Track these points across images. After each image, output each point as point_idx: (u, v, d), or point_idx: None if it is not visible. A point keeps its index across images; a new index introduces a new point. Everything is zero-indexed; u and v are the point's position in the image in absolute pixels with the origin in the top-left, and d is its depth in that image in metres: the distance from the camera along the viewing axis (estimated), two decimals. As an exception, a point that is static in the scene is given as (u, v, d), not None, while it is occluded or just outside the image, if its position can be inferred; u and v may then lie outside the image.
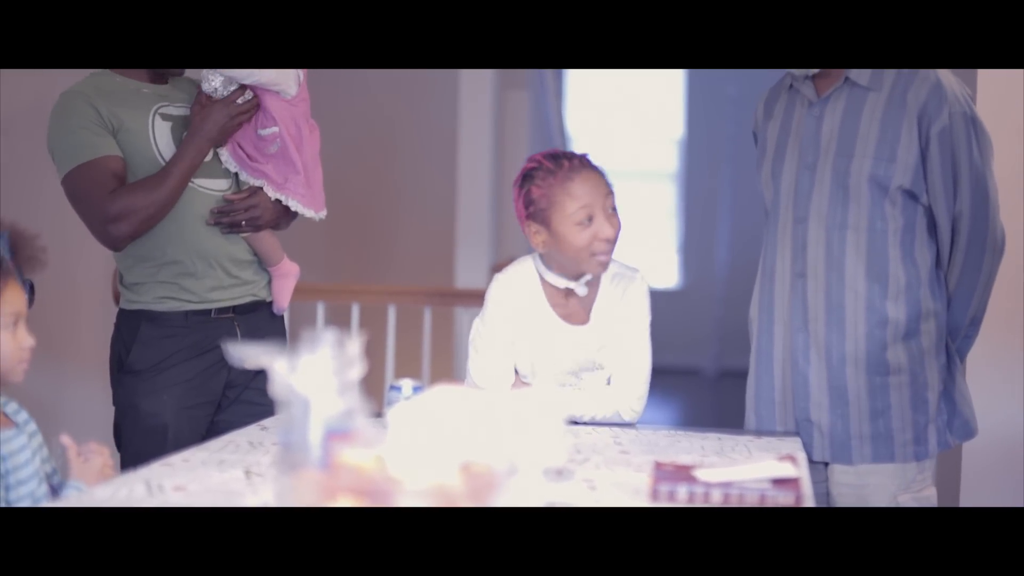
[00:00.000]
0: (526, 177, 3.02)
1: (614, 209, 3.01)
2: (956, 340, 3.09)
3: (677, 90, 11.48)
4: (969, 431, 3.10)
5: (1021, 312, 3.92)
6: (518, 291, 3.09)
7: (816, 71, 3.04)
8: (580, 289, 3.08)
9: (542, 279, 3.09)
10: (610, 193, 3.00)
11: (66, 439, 2.51)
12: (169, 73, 3.45)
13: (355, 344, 1.88)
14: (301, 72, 3.48)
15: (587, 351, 3.09)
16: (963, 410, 3.09)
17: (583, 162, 3.01)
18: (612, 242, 2.99)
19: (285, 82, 3.44)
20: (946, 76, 2.97)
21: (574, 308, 3.11)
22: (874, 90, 2.99)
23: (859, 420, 3.02)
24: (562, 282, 3.06)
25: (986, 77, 3.84)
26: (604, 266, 3.01)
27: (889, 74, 2.99)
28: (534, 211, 2.99)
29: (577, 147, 11.08)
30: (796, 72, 3.08)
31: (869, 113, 2.98)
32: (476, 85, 6.19)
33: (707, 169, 11.17)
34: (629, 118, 11.58)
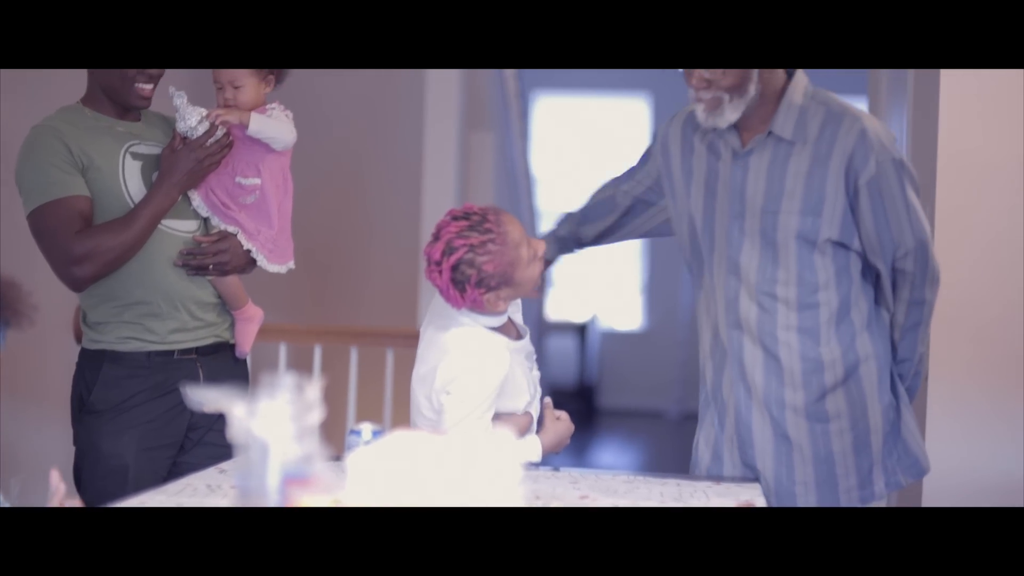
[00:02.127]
0: (465, 265, 2.87)
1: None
2: (907, 379, 3.10)
3: (643, 129, 11.52)
4: (920, 469, 3.12)
5: (984, 356, 3.93)
6: (501, 357, 2.97)
7: (736, 120, 2.99)
8: (514, 310, 3.10)
9: (490, 330, 3.01)
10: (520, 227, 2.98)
11: (55, 475, 2.48)
12: (142, 97, 3.39)
13: (314, 389, 1.88)
14: (291, 118, 3.49)
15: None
16: (913, 448, 3.10)
17: (491, 209, 2.93)
18: (542, 255, 2.99)
19: (289, 137, 3.45)
20: (871, 123, 2.97)
21: (511, 329, 3.10)
22: (798, 143, 2.98)
23: (803, 467, 3.03)
24: (501, 319, 3.04)
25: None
26: (539, 280, 3.01)
27: (813, 126, 2.97)
28: (496, 283, 2.89)
29: (543, 188, 11.15)
30: (717, 123, 3.00)
31: (794, 168, 2.97)
32: (441, 126, 6.20)
33: (671, 212, 11.20)
34: (594, 159, 11.61)
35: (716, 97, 2.95)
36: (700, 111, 2.98)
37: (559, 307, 11.21)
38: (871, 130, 2.96)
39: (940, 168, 3.86)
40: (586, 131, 11.75)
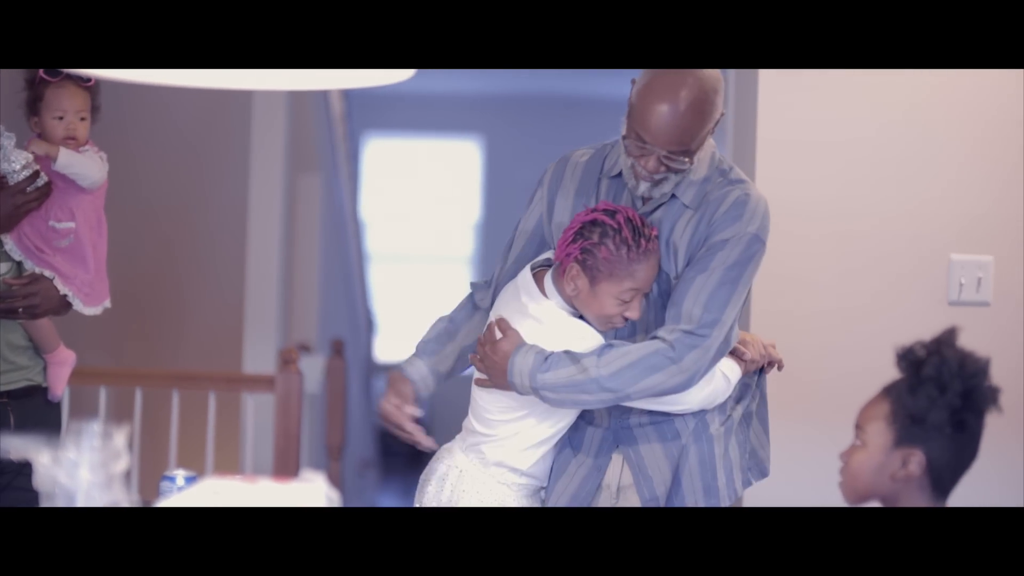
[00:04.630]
0: (602, 230, 2.87)
1: (647, 293, 2.96)
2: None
3: (474, 174, 11.61)
4: (763, 470, 3.18)
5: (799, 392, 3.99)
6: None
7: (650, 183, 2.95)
8: None
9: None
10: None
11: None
12: None
13: (120, 436, 1.87)
14: (105, 159, 3.44)
15: None
16: (758, 452, 3.17)
17: (654, 244, 2.91)
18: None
19: (97, 175, 3.39)
20: (756, 194, 2.99)
21: None
22: (692, 209, 2.97)
23: (693, 497, 3.04)
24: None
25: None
26: (611, 329, 2.97)
27: (708, 197, 2.96)
28: (589, 264, 2.87)
29: (372, 231, 11.13)
30: (653, 194, 2.96)
31: (680, 228, 2.97)
32: (267, 168, 6.17)
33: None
34: (425, 202, 11.66)
35: (664, 178, 2.92)
36: (642, 185, 2.94)
37: (388, 348, 11.19)
38: (750, 206, 2.97)
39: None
40: (417, 174, 11.79)
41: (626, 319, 2.94)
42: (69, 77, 3.35)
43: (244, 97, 6.14)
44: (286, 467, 5.04)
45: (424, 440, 3.12)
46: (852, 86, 3.92)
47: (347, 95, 8.45)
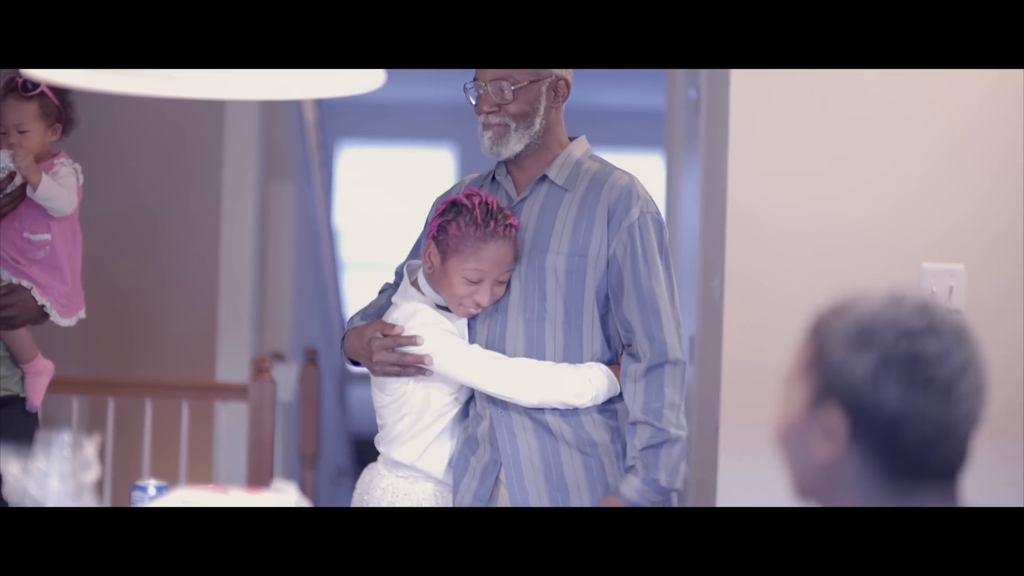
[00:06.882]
0: (457, 209, 3.04)
1: (502, 282, 3.06)
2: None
3: (448, 183, 11.60)
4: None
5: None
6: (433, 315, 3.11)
7: (519, 150, 3.10)
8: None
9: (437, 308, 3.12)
10: (511, 268, 3.06)
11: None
12: None
13: (91, 446, 1.86)
14: (80, 171, 3.43)
15: None
16: None
17: (506, 230, 3.03)
18: (483, 307, 3.07)
19: (67, 208, 3.37)
20: (639, 183, 3.12)
21: None
22: (570, 191, 3.10)
23: (579, 495, 3.06)
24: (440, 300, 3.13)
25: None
26: (467, 315, 3.09)
27: (585, 178, 3.11)
28: (440, 240, 3.03)
29: (346, 240, 11.12)
30: (502, 151, 3.11)
31: (564, 212, 3.09)
32: (240, 176, 6.16)
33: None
34: (399, 210, 11.64)
35: (503, 124, 3.08)
36: (486, 140, 3.11)
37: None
38: (638, 186, 3.11)
39: (729, 226, 3.94)
40: (391, 182, 11.78)
41: (478, 306, 3.05)
42: (12, 90, 3.33)
43: (216, 106, 6.13)
44: (259, 476, 5.02)
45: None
46: (824, 93, 3.92)
47: (320, 104, 8.43)
